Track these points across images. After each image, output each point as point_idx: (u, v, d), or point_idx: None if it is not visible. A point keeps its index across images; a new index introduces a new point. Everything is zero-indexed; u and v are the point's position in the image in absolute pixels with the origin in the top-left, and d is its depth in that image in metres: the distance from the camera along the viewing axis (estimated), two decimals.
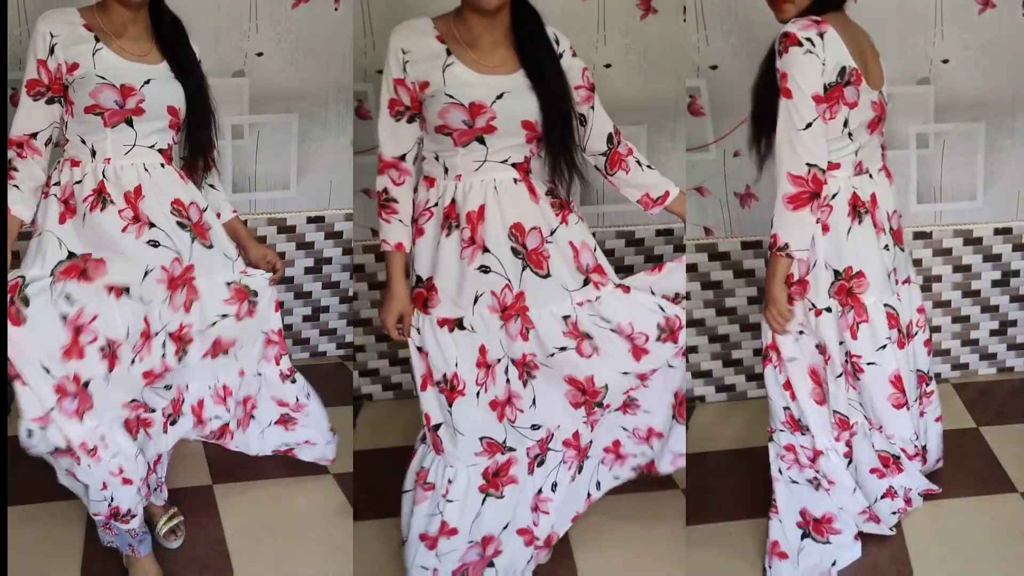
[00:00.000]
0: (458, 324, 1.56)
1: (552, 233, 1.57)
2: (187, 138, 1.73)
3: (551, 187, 1.59)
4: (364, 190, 2.42)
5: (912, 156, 2.39)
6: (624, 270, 2.51)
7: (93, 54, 1.59)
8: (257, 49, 2.38)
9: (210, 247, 1.74)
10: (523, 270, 1.55)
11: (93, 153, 1.63)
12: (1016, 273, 2.53)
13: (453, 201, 1.53)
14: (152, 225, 1.64)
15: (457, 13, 1.52)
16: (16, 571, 1.80)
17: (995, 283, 2.53)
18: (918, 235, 2.45)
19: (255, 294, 1.81)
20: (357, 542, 1.94)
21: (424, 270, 1.58)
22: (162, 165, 1.69)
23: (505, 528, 1.66)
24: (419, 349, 1.60)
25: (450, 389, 1.57)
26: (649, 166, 1.69)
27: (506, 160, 1.53)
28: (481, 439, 1.60)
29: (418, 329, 1.59)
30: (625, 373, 1.63)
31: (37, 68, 1.58)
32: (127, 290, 1.63)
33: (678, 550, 1.89)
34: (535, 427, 1.63)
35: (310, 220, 2.60)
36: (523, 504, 1.68)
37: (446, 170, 1.55)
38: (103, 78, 1.58)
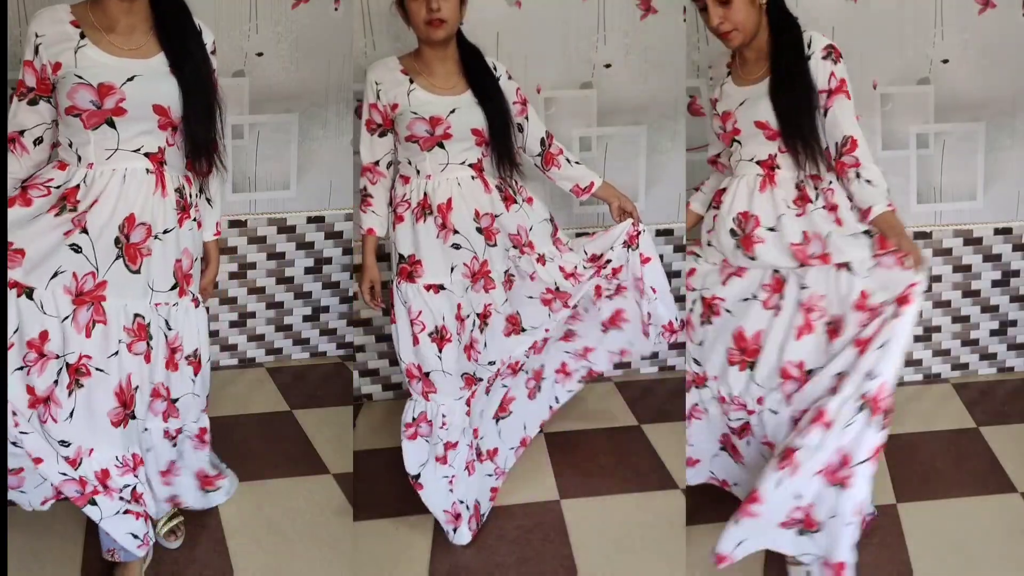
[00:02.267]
0: (440, 287, 1.91)
1: (499, 215, 1.95)
2: (185, 136, 1.61)
3: (500, 182, 1.97)
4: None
5: (912, 156, 2.39)
6: None
7: (75, 52, 1.51)
8: (257, 49, 2.38)
9: (136, 271, 1.58)
10: (484, 245, 1.94)
11: (79, 157, 1.56)
12: (1016, 273, 2.53)
13: (425, 195, 1.90)
14: (85, 233, 1.53)
15: (417, 52, 1.91)
16: (16, 571, 1.80)
17: (995, 283, 2.53)
18: (918, 235, 2.45)
19: (151, 337, 1.64)
20: (357, 542, 1.94)
21: (406, 249, 1.92)
22: (147, 171, 1.57)
23: (481, 416, 2.08)
24: (408, 313, 1.91)
25: (440, 337, 1.91)
26: (577, 162, 2.07)
27: (464, 161, 1.91)
28: (462, 375, 1.94)
29: (403, 301, 1.92)
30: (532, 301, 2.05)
31: (23, 69, 1.53)
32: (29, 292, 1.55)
33: (678, 550, 1.89)
34: (491, 363, 2.00)
35: (310, 220, 2.60)
36: (493, 402, 2.12)
37: (417, 171, 1.91)
38: (80, 77, 1.50)
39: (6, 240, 1.52)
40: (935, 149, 2.39)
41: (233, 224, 2.53)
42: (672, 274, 2.55)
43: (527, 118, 2.02)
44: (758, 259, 1.78)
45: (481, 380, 1.99)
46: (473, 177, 1.93)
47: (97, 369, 1.58)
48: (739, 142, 1.82)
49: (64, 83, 1.50)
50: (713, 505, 2.02)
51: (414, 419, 1.94)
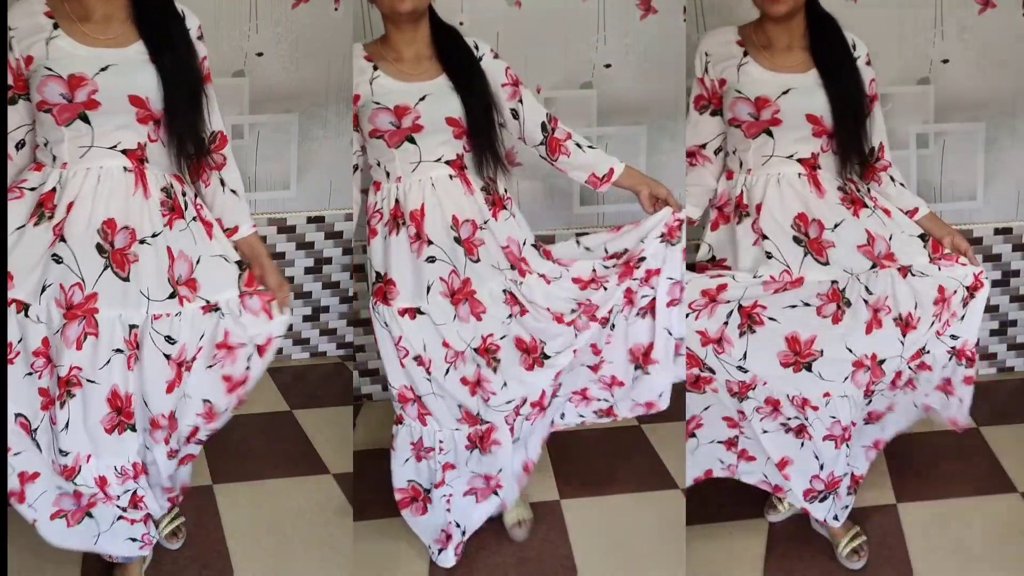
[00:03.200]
0: (418, 311, 1.70)
1: (485, 223, 1.71)
2: (167, 130, 1.49)
3: (486, 184, 1.73)
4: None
5: (912, 156, 2.39)
6: None
7: (47, 43, 1.41)
8: (257, 49, 2.38)
9: (126, 279, 1.47)
10: (465, 258, 1.69)
11: (54, 157, 1.46)
12: (1016, 273, 2.53)
13: (397, 202, 1.68)
14: (64, 242, 1.45)
15: (384, 36, 1.70)
16: (17, 571, 1.80)
17: (995, 283, 2.53)
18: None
19: (143, 350, 1.52)
20: (357, 542, 1.94)
21: (380, 266, 1.72)
22: (125, 169, 1.47)
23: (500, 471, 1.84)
24: (390, 335, 1.72)
25: (422, 367, 1.72)
26: (591, 146, 1.81)
27: (440, 158, 1.67)
28: (459, 406, 1.75)
29: (383, 323, 1.72)
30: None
31: (5, 67, 1.44)
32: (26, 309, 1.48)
33: (678, 550, 1.89)
34: (509, 401, 1.77)
35: (310, 220, 2.60)
36: (516, 459, 1.86)
37: (387, 174, 1.69)
38: (50, 69, 1.39)
39: (6, 240, 1.46)
40: (935, 149, 2.39)
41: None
42: None
43: (521, 101, 1.76)
44: (832, 264, 1.69)
45: (490, 423, 1.78)
46: (451, 176, 1.69)
47: (88, 380, 1.51)
48: (771, 134, 1.70)
49: (35, 77, 1.41)
50: (713, 505, 2.02)
51: (412, 444, 1.80)
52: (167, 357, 1.54)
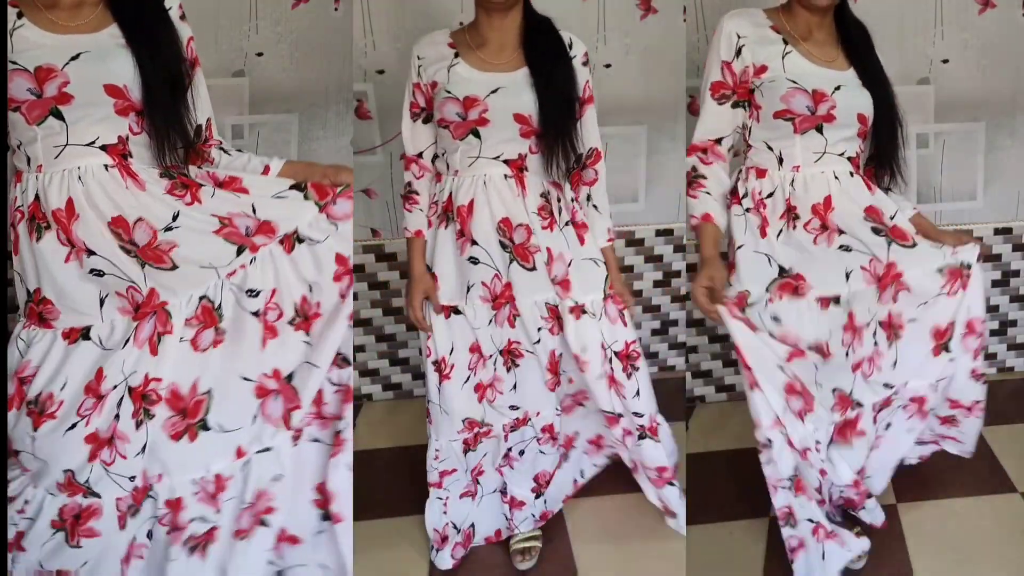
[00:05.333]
0: (455, 311, 1.67)
1: (535, 234, 1.64)
2: (149, 119, 1.37)
3: (547, 191, 1.67)
4: (364, 190, 2.42)
5: (912, 156, 2.39)
6: (624, 270, 2.52)
7: (11, 35, 1.28)
8: (257, 49, 2.38)
9: (172, 268, 1.40)
10: (510, 263, 1.64)
11: (28, 160, 1.33)
12: (1016, 273, 2.53)
13: (450, 195, 1.64)
14: (91, 252, 1.35)
15: (473, 22, 1.64)
16: None
17: (995, 283, 2.53)
18: None
19: (221, 315, 1.45)
20: (357, 542, 1.94)
21: (428, 260, 1.69)
22: (106, 167, 1.34)
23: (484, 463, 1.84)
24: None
25: (439, 373, 1.69)
26: (596, 207, 1.75)
27: (499, 156, 1.60)
28: (464, 420, 1.74)
29: (427, 318, 1.70)
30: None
31: (5, 66, 1.32)
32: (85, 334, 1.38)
33: (679, 550, 1.89)
34: (513, 407, 1.77)
35: None
36: (497, 454, 1.83)
37: (447, 166, 1.65)
38: (15, 63, 1.26)
39: (5, 243, 1.39)
40: (935, 149, 2.39)
41: None
42: (672, 274, 2.55)
43: (582, 118, 1.66)
44: (919, 244, 1.67)
45: (490, 425, 1.77)
46: (507, 176, 1.61)
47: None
48: (821, 131, 1.62)
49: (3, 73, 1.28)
50: (713, 505, 2.02)
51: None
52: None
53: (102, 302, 1.38)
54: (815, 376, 1.66)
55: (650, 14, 2.32)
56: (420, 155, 1.68)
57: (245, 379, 1.48)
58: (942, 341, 1.73)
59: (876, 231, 1.66)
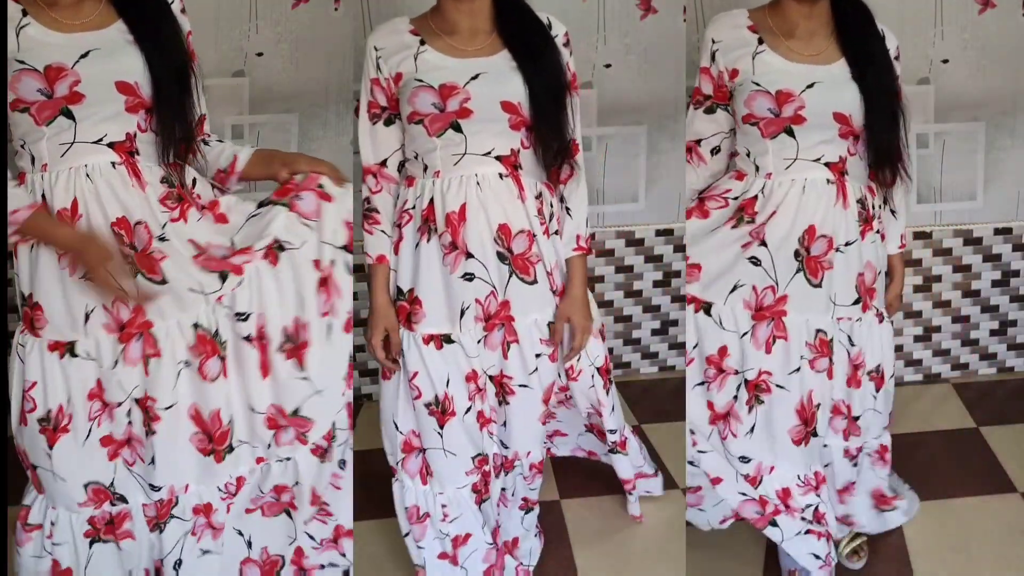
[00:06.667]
0: (446, 339, 1.47)
1: (536, 239, 1.47)
2: (156, 118, 1.33)
3: (540, 191, 1.50)
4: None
5: (912, 156, 2.39)
6: (624, 270, 2.52)
7: (17, 33, 1.24)
8: (257, 49, 2.38)
9: (162, 282, 1.32)
10: (509, 277, 1.45)
11: (32, 159, 1.29)
12: (1016, 273, 2.53)
13: (431, 201, 1.41)
14: None
15: (435, 6, 1.46)
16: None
17: (995, 283, 2.53)
18: (918, 235, 2.45)
19: (222, 343, 1.36)
20: (357, 542, 1.94)
21: (406, 281, 1.47)
22: (113, 165, 1.30)
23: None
24: (404, 368, 1.51)
25: (441, 412, 1.49)
26: (569, 210, 1.56)
27: (490, 152, 1.40)
28: (474, 457, 1.56)
29: (402, 349, 1.50)
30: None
31: (5, 65, 1.28)
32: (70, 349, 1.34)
33: (678, 550, 1.89)
34: (504, 445, 1.63)
35: None
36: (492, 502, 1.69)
37: (425, 167, 1.43)
38: (23, 63, 1.22)
39: (6, 245, 1.32)
40: (935, 149, 2.39)
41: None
42: (672, 274, 2.55)
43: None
44: (822, 288, 1.53)
45: (484, 456, 1.59)
46: (502, 176, 1.41)
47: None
48: (792, 134, 1.48)
49: (9, 72, 1.24)
50: None
51: (406, 509, 1.59)
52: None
53: (87, 317, 1.33)
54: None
55: (650, 14, 2.32)
56: (383, 163, 1.47)
57: (255, 410, 1.43)
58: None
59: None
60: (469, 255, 1.41)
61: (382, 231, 1.47)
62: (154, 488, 1.42)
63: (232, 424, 1.43)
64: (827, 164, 1.51)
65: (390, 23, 1.45)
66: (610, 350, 2.14)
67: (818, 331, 1.53)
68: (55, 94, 1.24)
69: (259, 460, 1.49)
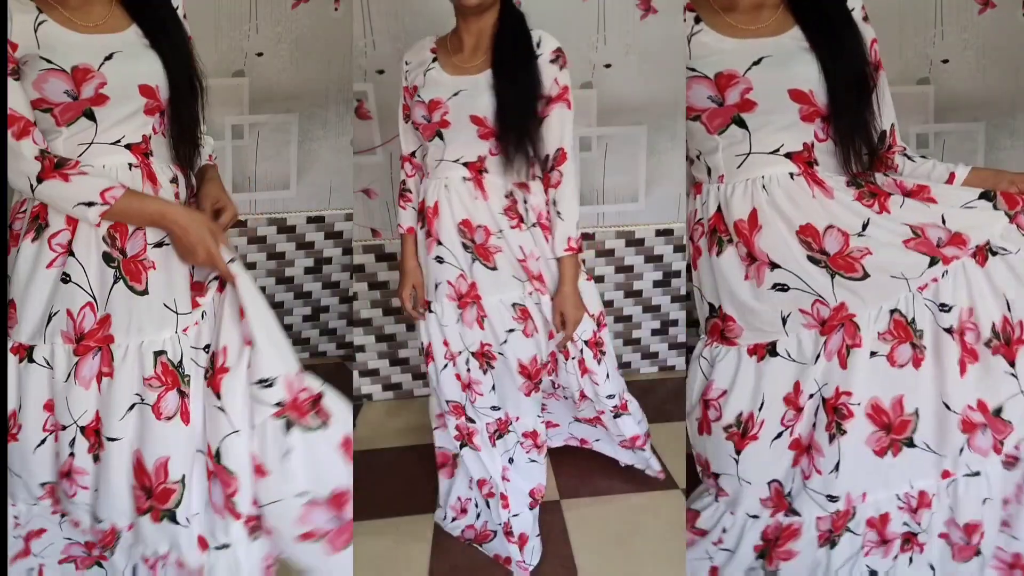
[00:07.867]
0: (428, 307, 1.72)
1: (500, 231, 1.64)
2: (171, 119, 1.34)
3: (510, 191, 1.64)
4: (364, 190, 2.42)
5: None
6: (624, 270, 2.52)
7: (35, 29, 1.22)
8: (257, 49, 2.38)
9: (143, 293, 1.29)
10: (472, 262, 1.66)
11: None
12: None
13: (424, 198, 1.68)
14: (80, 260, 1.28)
15: (455, 26, 1.64)
16: None
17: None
18: None
19: (184, 375, 1.31)
20: (357, 542, 1.94)
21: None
22: (130, 166, 1.30)
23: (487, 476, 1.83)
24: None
25: (426, 356, 1.75)
26: (560, 215, 1.65)
27: (459, 159, 1.61)
28: (448, 401, 1.77)
29: (430, 306, 1.72)
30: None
31: (5, 63, 1.25)
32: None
33: (678, 550, 1.89)
34: (495, 408, 1.78)
35: (310, 220, 2.60)
36: (495, 464, 1.81)
37: (424, 167, 1.70)
38: (49, 61, 1.21)
39: (6, 246, 1.31)
40: (935, 149, 2.39)
41: (233, 224, 2.53)
42: (672, 274, 2.55)
43: (546, 118, 1.57)
44: (873, 275, 1.27)
45: (473, 422, 1.78)
46: (464, 179, 1.61)
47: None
48: (743, 124, 1.26)
49: (29, 69, 1.22)
50: None
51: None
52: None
53: (48, 320, 1.28)
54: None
55: (650, 14, 2.32)
56: (413, 154, 1.73)
57: (947, 407, 1.33)
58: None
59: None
60: (440, 243, 1.66)
61: (413, 207, 1.73)
62: (831, 499, 1.37)
63: (917, 417, 1.33)
64: (788, 155, 1.27)
65: (422, 40, 1.67)
66: None
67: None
68: (81, 96, 1.23)
69: (945, 475, 1.38)
